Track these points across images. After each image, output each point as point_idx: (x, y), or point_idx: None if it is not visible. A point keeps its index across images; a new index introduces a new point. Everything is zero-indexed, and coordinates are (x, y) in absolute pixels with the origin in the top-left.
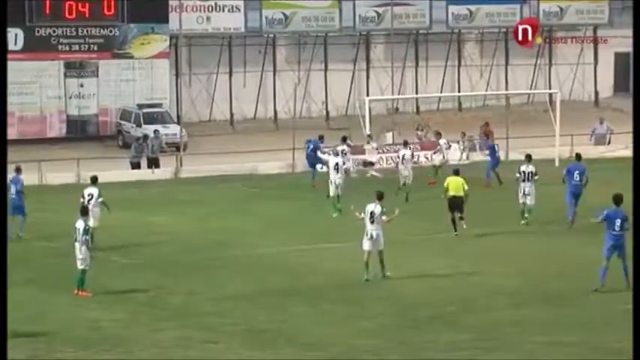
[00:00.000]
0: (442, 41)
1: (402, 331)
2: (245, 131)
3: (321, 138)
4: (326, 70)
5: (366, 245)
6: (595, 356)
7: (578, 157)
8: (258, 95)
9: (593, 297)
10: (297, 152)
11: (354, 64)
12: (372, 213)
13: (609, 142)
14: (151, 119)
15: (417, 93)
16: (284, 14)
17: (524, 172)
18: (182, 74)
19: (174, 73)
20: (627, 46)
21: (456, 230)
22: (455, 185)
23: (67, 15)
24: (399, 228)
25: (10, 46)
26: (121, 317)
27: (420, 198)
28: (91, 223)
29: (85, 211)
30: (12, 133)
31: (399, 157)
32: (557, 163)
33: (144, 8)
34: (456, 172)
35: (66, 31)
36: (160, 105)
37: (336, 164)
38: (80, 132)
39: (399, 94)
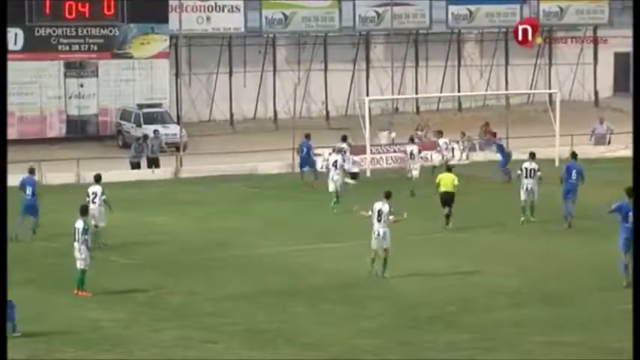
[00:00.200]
0: (442, 41)
1: (401, 331)
2: (245, 131)
3: (307, 136)
4: (326, 70)
5: (374, 244)
6: (595, 356)
7: (574, 155)
8: (258, 95)
9: (593, 297)
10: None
11: (354, 64)
12: (379, 211)
13: (609, 142)
14: (150, 119)
15: (416, 93)
16: (284, 14)
17: (526, 168)
18: (182, 74)
19: (174, 73)
20: (627, 46)
21: (448, 224)
22: (446, 181)
23: (66, 15)
24: (398, 227)
25: (10, 46)
26: (120, 317)
27: (420, 196)
28: (101, 222)
29: (84, 211)
30: (12, 133)
31: (406, 153)
32: (557, 163)
33: (144, 8)
34: (449, 169)
35: (66, 31)
36: (159, 105)
37: (335, 161)
38: (80, 132)
39: (398, 94)
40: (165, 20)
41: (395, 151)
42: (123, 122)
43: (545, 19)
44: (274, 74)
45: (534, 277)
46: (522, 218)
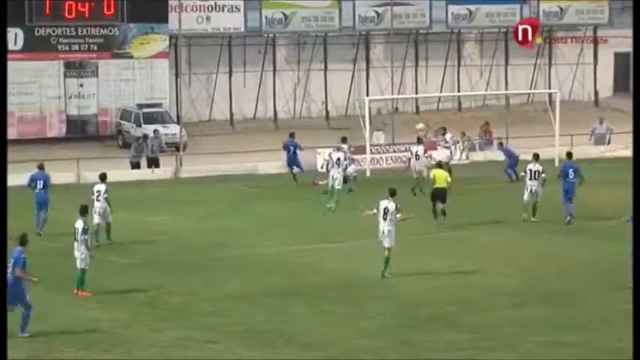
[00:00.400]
0: (442, 41)
1: (402, 331)
2: (245, 131)
3: (292, 135)
4: (326, 70)
5: (384, 242)
6: (595, 356)
7: (570, 155)
8: (258, 95)
9: (593, 297)
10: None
11: (354, 64)
12: (385, 209)
13: (609, 142)
14: (150, 119)
15: (416, 93)
16: (284, 14)
17: (530, 170)
18: (182, 74)
19: (174, 72)
20: (627, 46)
21: (436, 219)
22: (439, 178)
23: (66, 15)
24: (399, 226)
25: (10, 46)
26: (120, 317)
27: (420, 195)
28: (107, 218)
29: (84, 211)
30: (12, 133)
31: (412, 154)
32: (556, 163)
33: (143, 8)
34: (439, 165)
35: (66, 30)
36: (159, 105)
37: (338, 159)
38: (80, 132)
39: (398, 94)
40: (165, 20)
41: (394, 151)
42: (123, 122)
43: (545, 19)
44: (274, 74)
45: (534, 277)
46: (524, 214)
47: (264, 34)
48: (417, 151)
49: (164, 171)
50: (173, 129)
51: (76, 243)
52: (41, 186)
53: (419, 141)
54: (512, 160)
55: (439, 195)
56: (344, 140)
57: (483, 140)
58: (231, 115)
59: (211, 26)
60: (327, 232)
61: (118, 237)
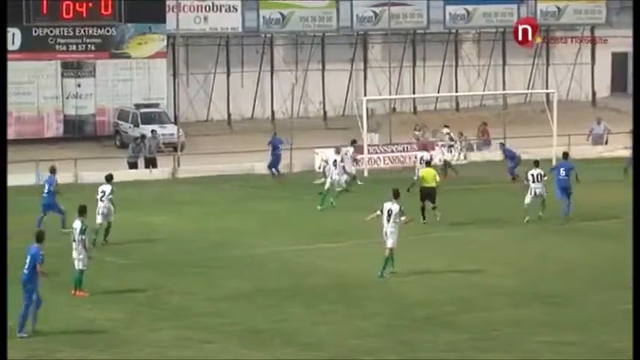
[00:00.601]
0: (439, 41)
1: (400, 331)
2: (242, 131)
3: (275, 134)
4: (323, 70)
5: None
6: (594, 356)
7: (566, 155)
8: (256, 95)
9: (591, 297)
10: (295, 152)
11: (352, 64)
12: (389, 211)
13: (607, 142)
14: (148, 119)
15: (414, 93)
16: (281, 14)
17: (532, 175)
18: (179, 74)
19: (172, 73)
20: (625, 46)
21: (424, 219)
22: (428, 176)
23: (64, 15)
24: (401, 227)
25: (8, 46)
26: (118, 317)
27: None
28: (109, 218)
29: (82, 211)
30: (9, 133)
31: (416, 158)
32: (554, 163)
33: (141, 8)
34: (428, 164)
35: (63, 30)
36: (157, 105)
37: (335, 161)
38: (77, 132)
39: (396, 94)
40: (163, 20)
41: (392, 152)
42: (120, 122)
43: (543, 19)
44: (272, 74)
45: (533, 277)
46: (527, 217)
47: (262, 34)
48: (422, 157)
49: (162, 171)
50: (171, 129)
51: (74, 243)
52: (45, 190)
53: (425, 147)
54: (515, 161)
55: (428, 194)
56: (353, 143)
57: (481, 140)
58: (229, 115)
59: (209, 26)
60: (325, 232)
61: (116, 237)
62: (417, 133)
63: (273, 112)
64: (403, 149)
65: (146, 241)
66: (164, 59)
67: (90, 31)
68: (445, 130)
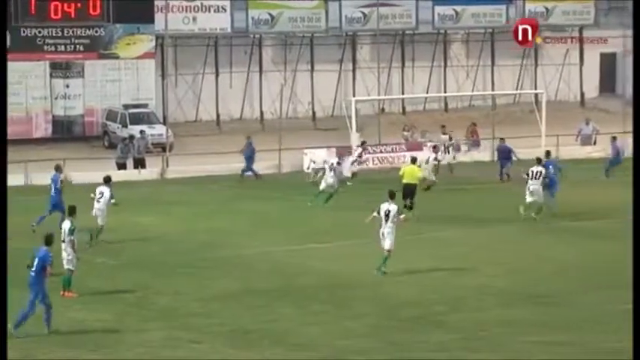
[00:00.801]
0: (428, 42)
1: (390, 332)
2: (231, 132)
3: (248, 138)
4: (312, 70)
5: (383, 242)
6: (585, 356)
7: (548, 153)
8: (245, 96)
9: (581, 297)
10: (284, 153)
11: (341, 65)
12: (387, 212)
13: (595, 143)
14: (136, 120)
15: (403, 93)
16: (270, 15)
17: (532, 171)
18: (168, 74)
19: (160, 73)
20: (613, 47)
21: (413, 215)
22: (410, 173)
23: (52, 15)
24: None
25: None
26: (107, 318)
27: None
28: (101, 221)
29: (72, 212)
30: None
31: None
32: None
33: (130, 8)
34: (413, 161)
35: (51, 31)
36: (145, 105)
37: (332, 164)
38: (66, 132)
39: (385, 94)
40: (151, 20)
41: (381, 152)
42: (109, 123)
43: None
44: (260, 75)
45: (525, 277)
46: (523, 213)
47: (251, 34)
48: (427, 158)
49: (150, 172)
50: (159, 129)
51: (62, 244)
52: (53, 189)
53: (435, 148)
54: (510, 162)
55: (409, 191)
56: (363, 143)
57: (470, 141)
58: (218, 115)
59: (198, 27)
60: (315, 233)
61: (106, 238)
62: (405, 133)
63: (261, 113)
64: (392, 150)
65: (135, 242)
66: (153, 60)
67: (78, 32)
68: (442, 131)
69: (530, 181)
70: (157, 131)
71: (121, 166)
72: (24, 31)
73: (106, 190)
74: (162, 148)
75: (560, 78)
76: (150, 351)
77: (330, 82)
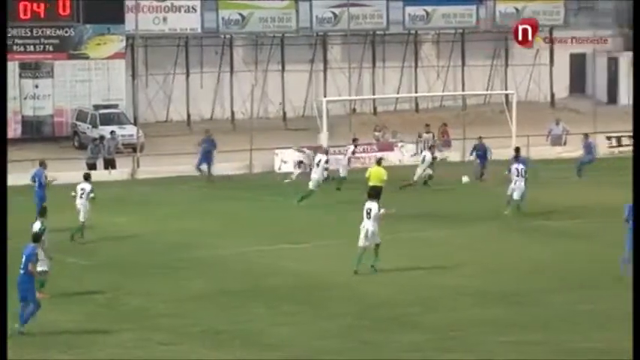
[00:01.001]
0: (399, 42)
1: (364, 332)
2: (202, 132)
3: (207, 132)
4: (283, 70)
5: (362, 242)
6: (558, 356)
7: (518, 150)
8: (215, 96)
9: (555, 297)
10: (255, 153)
11: (311, 65)
12: (369, 209)
13: (565, 143)
14: (107, 120)
15: (374, 94)
16: (241, 15)
17: (517, 169)
18: (138, 75)
19: (131, 73)
20: (583, 48)
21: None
22: (376, 176)
23: (21, 15)
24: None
25: None
26: (79, 318)
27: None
28: (82, 217)
29: (42, 212)
30: None
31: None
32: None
33: (100, 9)
34: (379, 162)
35: (20, 31)
36: (116, 106)
37: (319, 161)
38: (35, 133)
39: (356, 94)
40: (122, 21)
41: (353, 153)
42: (79, 123)
43: (501, 20)
44: (231, 75)
45: (500, 277)
46: (506, 212)
47: (221, 34)
48: (424, 156)
49: (121, 172)
50: (130, 130)
51: None
52: (37, 184)
53: (431, 148)
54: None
55: (374, 193)
56: (354, 141)
57: (441, 141)
58: (189, 116)
59: (168, 27)
60: (287, 233)
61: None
62: (377, 134)
63: (232, 113)
64: (363, 150)
65: (107, 242)
66: (123, 60)
67: (48, 32)
68: (426, 130)
69: (515, 178)
70: (127, 132)
71: (91, 167)
72: None
73: (87, 187)
74: (132, 148)
75: (530, 78)
76: (122, 352)
77: (301, 82)
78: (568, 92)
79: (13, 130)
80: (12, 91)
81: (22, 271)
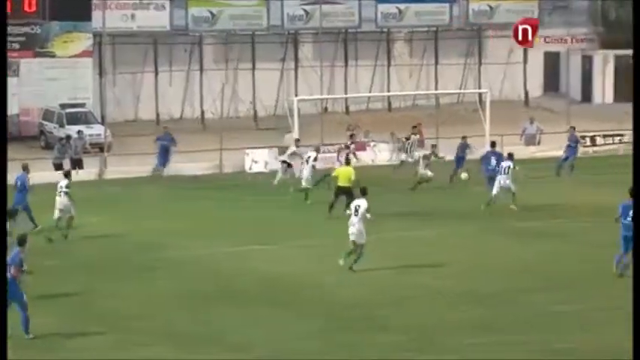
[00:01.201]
0: (371, 40)
1: (333, 333)
2: (171, 131)
3: (165, 128)
4: (254, 69)
5: (353, 236)
6: (531, 356)
7: (493, 144)
8: (185, 95)
9: (528, 297)
10: (225, 153)
11: (283, 64)
12: (357, 207)
13: (539, 142)
14: (74, 119)
15: (346, 93)
16: (211, 12)
17: (502, 166)
18: (106, 73)
19: (98, 72)
20: (557, 46)
21: (330, 212)
22: (344, 176)
23: None
24: (334, 227)
25: None
26: (50, 321)
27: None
28: (68, 213)
29: (11, 214)
30: None
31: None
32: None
33: (66, 6)
34: (347, 162)
35: None
36: (83, 105)
37: (309, 157)
38: None
39: (328, 93)
40: (89, 18)
41: (324, 152)
42: (45, 122)
43: (475, 18)
44: (201, 73)
45: (474, 278)
46: (485, 206)
47: (191, 32)
48: (421, 155)
49: (88, 172)
50: (97, 129)
51: None
52: (20, 187)
53: (432, 151)
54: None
55: (342, 193)
56: (352, 137)
57: (419, 141)
58: (157, 115)
59: (136, 24)
60: (257, 234)
61: (45, 239)
62: (349, 133)
63: (202, 112)
64: (337, 150)
65: (77, 244)
66: (90, 58)
67: (13, 30)
68: (413, 131)
69: (499, 176)
70: (94, 131)
71: (58, 167)
72: None
73: (64, 183)
74: (100, 148)
75: (504, 77)
76: (93, 354)
77: (272, 81)
78: (542, 91)
79: None
80: None
81: (8, 275)
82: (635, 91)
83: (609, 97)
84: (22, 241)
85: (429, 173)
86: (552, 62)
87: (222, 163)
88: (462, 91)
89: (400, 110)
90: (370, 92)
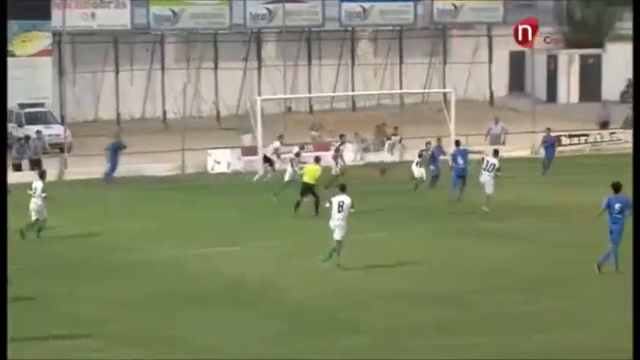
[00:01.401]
0: (335, 39)
1: (297, 337)
2: (132, 131)
3: (117, 135)
4: (216, 68)
5: (336, 232)
6: (498, 356)
7: (457, 143)
8: (146, 94)
9: (493, 298)
10: (187, 153)
11: (245, 63)
12: (340, 202)
13: (504, 142)
14: (33, 119)
15: (310, 92)
16: (172, 11)
17: (487, 161)
18: (66, 73)
19: (58, 71)
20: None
21: (295, 212)
22: (309, 173)
23: None
24: (306, 229)
25: None
26: (10, 324)
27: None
28: (42, 215)
29: None
30: None
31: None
32: (451, 163)
33: (25, 4)
34: (317, 160)
35: None
36: (42, 104)
37: (298, 153)
38: None
39: (291, 93)
40: (48, 17)
41: (288, 152)
42: None
43: (439, 17)
44: (163, 73)
45: (439, 279)
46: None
47: (152, 31)
48: (420, 153)
49: (48, 173)
50: (57, 129)
51: None
52: None
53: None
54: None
55: (305, 190)
56: (341, 137)
57: (378, 141)
58: (118, 115)
59: (97, 23)
60: (220, 236)
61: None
62: (313, 133)
63: (164, 112)
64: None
65: (34, 246)
66: (50, 57)
67: None
68: (394, 132)
69: (482, 171)
70: (54, 131)
71: (17, 168)
72: None
73: (39, 185)
74: (59, 148)
75: (469, 76)
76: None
77: (235, 80)
78: (507, 91)
79: None
80: None
81: None
82: (635, 91)
83: (574, 96)
84: None
85: (423, 172)
86: (518, 61)
87: (184, 163)
88: (426, 90)
89: (364, 110)
90: (334, 92)
